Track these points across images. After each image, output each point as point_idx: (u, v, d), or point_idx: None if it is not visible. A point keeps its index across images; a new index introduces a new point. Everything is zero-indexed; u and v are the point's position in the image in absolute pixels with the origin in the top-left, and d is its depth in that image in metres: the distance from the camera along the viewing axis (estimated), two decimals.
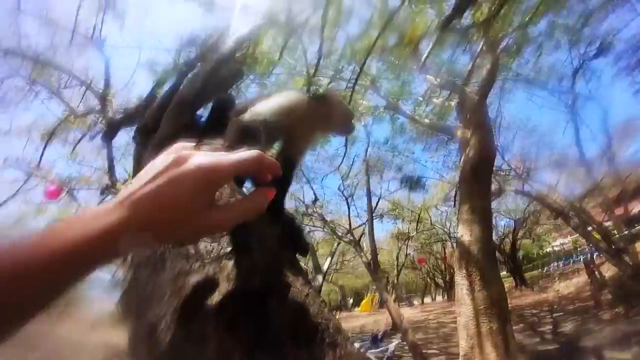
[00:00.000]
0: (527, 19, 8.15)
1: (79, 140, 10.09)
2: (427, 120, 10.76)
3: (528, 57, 10.85)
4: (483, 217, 7.21)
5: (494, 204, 20.94)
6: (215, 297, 0.84)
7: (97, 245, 0.47)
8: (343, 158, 12.32)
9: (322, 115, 1.41)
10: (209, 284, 0.87)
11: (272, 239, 1.09)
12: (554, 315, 13.04)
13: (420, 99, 10.65)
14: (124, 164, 10.60)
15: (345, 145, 11.46)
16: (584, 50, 11.42)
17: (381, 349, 12.05)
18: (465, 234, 7.12)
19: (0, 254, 0.41)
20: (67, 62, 9.51)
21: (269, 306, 0.86)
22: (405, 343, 7.60)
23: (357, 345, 8.28)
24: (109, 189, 8.86)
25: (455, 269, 7.55)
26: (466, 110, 8.19)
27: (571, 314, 12.38)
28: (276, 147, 1.40)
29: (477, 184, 7.52)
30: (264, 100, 1.35)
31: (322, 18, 6.44)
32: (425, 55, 8.63)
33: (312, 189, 14.08)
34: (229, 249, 0.99)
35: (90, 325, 18.26)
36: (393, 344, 11.65)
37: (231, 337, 0.79)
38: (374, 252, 10.95)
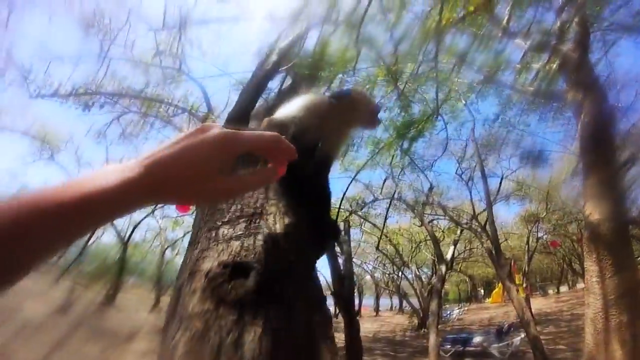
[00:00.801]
0: None
1: None
2: (531, 89, 9.86)
3: (619, 2, 9.13)
4: (611, 192, 6.27)
5: (630, 174, 18.69)
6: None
7: (113, 196, 0.48)
8: (446, 142, 12.03)
9: (347, 111, 1.47)
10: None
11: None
12: None
13: (518, 66, 9.72)
14: None
15: (446, 127, 11.31)
16: None
17: (505, 343, 11.47)
18: (592, 212, 6.23)
19: (26, 200, 0.43)
20: (167, 93, 10.89)
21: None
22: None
23: (480, 338, 7.78)
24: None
25: (584, 254, 6.74)
26: (570, 71, 7.37)
27: None
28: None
29: (599, 153, 6.58)
30: (292, 102, 1.47)
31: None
32: (505, 18, 8.03)
33: (426, 176, 13.43)
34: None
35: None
36: (518, 338, 10.98)
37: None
38: (495, 237, 10.35)
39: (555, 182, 18.54)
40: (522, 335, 9.62)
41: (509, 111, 12.56)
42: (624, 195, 7.26)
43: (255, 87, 3.16)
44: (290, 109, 1.39)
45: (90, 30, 10.16)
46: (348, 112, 1.47)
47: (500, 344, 11.56)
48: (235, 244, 1.09)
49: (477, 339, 12.58)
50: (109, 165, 0.52)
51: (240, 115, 2.66)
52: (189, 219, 20.15)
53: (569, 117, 10.11)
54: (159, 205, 18.67)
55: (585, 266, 6.64)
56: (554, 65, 8.18)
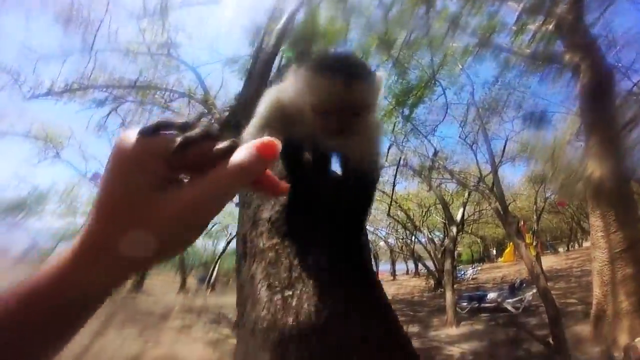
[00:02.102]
0: None
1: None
2: (528, 51, 9.89)
3: None
4: (612, 150, 6.51)
5: (634, 135, 18.80)
6: None
7: (53, 284, 0.41)
8: (447, 107, 12.19)
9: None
10: None
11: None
12: None
13: (514, 28, 9.66)
14: None
15: (444, 92, 11.35)
16: None
17: (518, 298, 11.84)
18: (595, 170, 6.52)
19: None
20: (161, 80, 10.98)
21: None
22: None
23: (494, 294, 8.15)
24: None
25: (589, 210, 7.05)
26: (566, 32, 7.48)
27: None
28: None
29: (598, 113, 6.80)
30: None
31: None
32: None
33: (430, 141, 13.46)
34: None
35: None
36: (530, 293, 11.34)
37: None
38: (502, 197, 10.57)
39: (559, 143, 18.72)
40: (534, 290, 9.97)
41: (508, 73, 12.58)
42: (625, 154, 7.50)
43: (260, 73, 3.16)
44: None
45: (70, 25, 10.10)
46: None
47: (514, 299, 11.89)
48: (283, 198, 1.30)
49: (491, 296, 12.95)
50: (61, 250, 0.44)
51: (249, 105, 2.48)
52: None
53: (569, 78, 10.19)
54: None
55: (590, 222, 6.93)
56: (550, 27, 8.19)
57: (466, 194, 16.81)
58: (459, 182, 16.34)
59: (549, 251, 32.18)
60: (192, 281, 26.66)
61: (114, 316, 9.63)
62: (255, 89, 2.82)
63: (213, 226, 26.12)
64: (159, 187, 0.43)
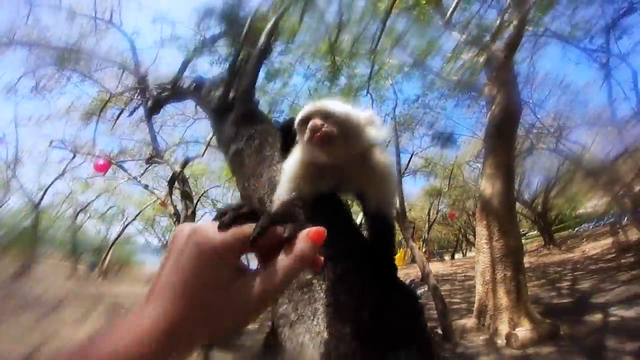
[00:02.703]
0: None
1: (118, 117, 10.54)
2: (454, 78, 10.79)
3: (562, 11, 10.39)
4: (505, 173, 7.56)
5: (528, 162, 21.21)
6: None
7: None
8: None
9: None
10: None
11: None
12: (575, 273, 13.55)
13: (449, 54, 10.44)
14: (163, 136, 11.68)
15: (372, 103, 11.60)
16: (614, 7, 10.90)
17: None
18: (487, 187, 7.55)
19: None
20: (94, 47, 10.13)
21: None
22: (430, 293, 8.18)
23: None
24: (153, 158, 9.63)
25: (477, 221, 8.14)
26: (493, 67, 8.23)
27: (591, 273, 12.81)
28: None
29: (501, 140, 7.78)
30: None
31: None
32: (450, 10, 8.56)
33: None
34: None
35: (145, 281, 19.74)
36: (418, 292, 12.35)
37: None
38: (402, 201, 11.45)
39: (460, 162, 20.58)
40: (423, 289, 11.00)
41: (430, 94, 13.52)
42: (514, 178, 8.60)
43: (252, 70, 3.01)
44: (277, 192, 1.32)
45: None
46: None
47: None
48: None
49: None
50: (124, 323, 0.46)
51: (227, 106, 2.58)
52: (99, 181, 19.74)
53: (483, 106, 11.14)
54: (70, 167, 17.30)
55: (477, 231, 7.99)
56: (481, 60, 8.96)
57: None
58: None
59: (435, 258, 34.60)
60: (82, 267, 24.55)
61: (5, 303, 9.36)
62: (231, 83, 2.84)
63: (108, 209, 24.61)
64: (232, 277, 0.50)
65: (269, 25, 3.19)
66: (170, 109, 12.40)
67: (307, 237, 0.53)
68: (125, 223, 23.88)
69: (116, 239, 23.17)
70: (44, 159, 18.30)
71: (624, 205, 12.60)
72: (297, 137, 1.27)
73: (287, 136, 1.56)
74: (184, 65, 7.08)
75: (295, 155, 1.31)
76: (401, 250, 29.74)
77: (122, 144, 14.21)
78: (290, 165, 1.30)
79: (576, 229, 30.22)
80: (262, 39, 3.00)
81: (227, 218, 0.52)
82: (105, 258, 22.58)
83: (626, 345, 5.40)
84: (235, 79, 2.85)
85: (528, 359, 5.71)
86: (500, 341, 6.50)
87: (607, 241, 15.80)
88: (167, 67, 10.03)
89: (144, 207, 21.60)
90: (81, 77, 10.48)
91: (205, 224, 0.52)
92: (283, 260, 0.51)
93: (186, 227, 0.52)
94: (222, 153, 2.63)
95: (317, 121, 1.17)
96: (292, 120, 1.45)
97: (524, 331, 6.38)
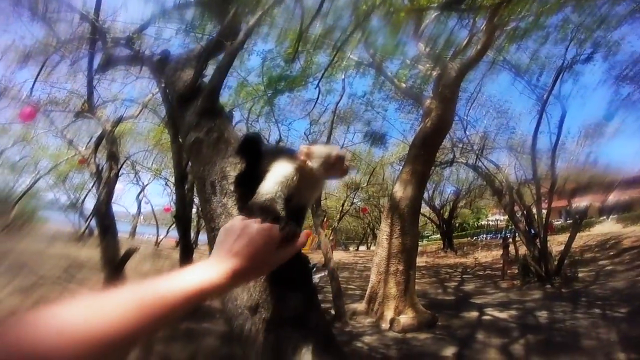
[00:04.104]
0: (545, 7, 7.88)
1: (57, 64, 9.90)
2: (404, 85, 11.13)
3: (528, 45, 10.98)
4: (419, 180, 8.24)
5: (446, 172, 22.39)
6: None
7: (214, 287, 0.68)
8: (314, 104, 12.62)
9: (319, 171, 1.56)
10: None
11: None
12: (463, 276, 14.85)
13: (408, 61, 10.81)
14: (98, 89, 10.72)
15: (318, 94, 11.68)
16: (577, 52, 11.56)
17: None
18: (399, 190, 8.17)
19: (147, 302, 0.56)
20: None
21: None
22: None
23: None
24: (84, 112, 9.01)
25: (382, 218, 8.83)
26: (442, 83, 8.64)
27: (478, 278, 14.24)
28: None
29: (423, 151, 8.36)
30: (270, 174, 1.55)
31: None
32: (424, 24, 8.92)
33: (279, 129, 13.57)
34: None
35: (49, 239, 18.54)
36: (319, 275, 12.79)
37: None
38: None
39: (384, 162, 21.29)
40: (323, 273, 11.45)
41: (377, 94, 13.85)
42: (425, 187, 9.14)
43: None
44: (267, 187, 1.48)
45: None
46: (320, 172, 1.56)
47: None
48: None
49: None
50: (200, 266, 0.72)
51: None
52: (17, 127, 17.36)
53: (420, 114, 11.16)
54: None
55: (380, 227, 8.69)
56: (434, 73, 9.34)
57: None
58: None
59: (341, 248, 35.57)
60: None
61: None
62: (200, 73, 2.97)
63: (20, 159, 21.71)
64: (274, 249, 0.85)
65: (251, 22, 3.27)
66: None
67: (304, 234, 1.01)
68: (37, 176, 22.03)
69: (25, 191, 21.47)
70: None
71: (519, 224, 13.74)
72: (310, 159, 1.55)
73: (247, 149, 1.81)
74: (146, 24, 6.85)
75: (289, 168, 1.56)
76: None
77: (52, 93, 13.20)
78: (287, 174, 1.54)
79: (474, 238, 32.40)
80: (241, 34, 3.09)
81: (287, 226, 0.95)
82: (10, 211, 20.23)
83: (493, 340, 6.22)
84: (204, 67, 3.01)
85: (406, 342, 6.39)
86: (385, 325, 7.23)
87: (499, 252, 17.22)
88: (128, 23, 8.91)
89: (60, 162, 20.00)
90: (32, 16, 9.20)
91: (266, 224, 0.87)
92: (293, 244, 0.93)
93: (255, 224, 0.84)
94: (169, 133, 2.80)
95: (347, 161, 1.59)
96: (255, 136, 1.87)
97: (406, 318, 7.18)
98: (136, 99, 12.66)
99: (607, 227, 22.22)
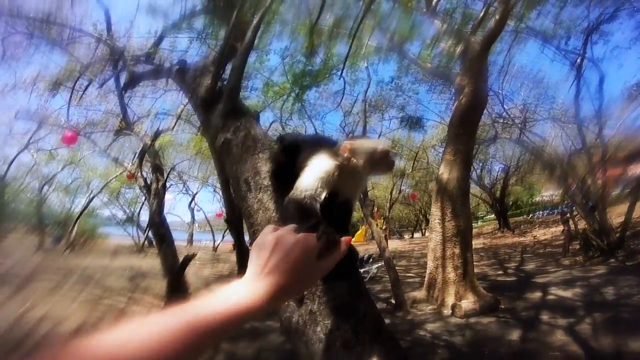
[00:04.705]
0: None
1: (86, 88, 10.17)
2: (429, 65, 10.95)
3: (548, 9, 10.67)
4: (463, 159, 8.04)
5: (491, 150, 21.89)
6: None
7: (250, 310, 0.64)
8: (342, 95, 12.67)
9: (365, 167, 1.53)
10: None
11: None
12: (523, 255, 14.43)
13: (428, 42, 10.54)
14: (131, 106, 11.10)
15: (344, 84, 11.83)
16: (599, 10, 11.16)
17: (365, 269, 13.18)
18: (445, 172, 8.03)
19: (182, 327, 0.55)
20: (67, 15, 9.20)
21: None
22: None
23: None
24: (122, 130, 9.61)
25: (432, 202, 8.59)
26: (468, 57, 8.41)
27: (538, 257, 13.75)
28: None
29: (463, 129, 8.18)
30: (309, 168, 1.52)
31: None
32: (435, 0, 8.73)
33: (313, 124, 13.89)
34: None
35: (112, 253, 19.44)
36: (376, 266, 12.78)
37: None
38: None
39: (426, 146, 21.02)
40: (380, 264, 11.44)
41: (405, 78, 13.71)
42: (471, 165, 8.94)
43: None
44: (306, 183, 1.45)
45: None
46: (365, 168, 1.53)
47: (362, 270, 13.29)
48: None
49: None
50: (234, 287, 0.69)
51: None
52: (63, 152, 19.06)
53: (453, 93, 11.21)
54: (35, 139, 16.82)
55: (431, 211, 8.50)
56: (458, 50, 9.05)
57: None
58: None
59: (395, 236, 35.42)
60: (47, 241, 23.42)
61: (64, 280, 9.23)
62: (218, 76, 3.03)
63: (73, 181, 23.66)
64: (314, 262, 0.78)
65: (255, 21, 3.24)
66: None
67: (343, 241, 0.88)
68: (91, 195, 23.22)
69: (82, 211, 22.55)
70: (9, 130, 17.40)
71: (575, 197, 13.26)
72: (356, 154, 1.52)
73: (287, 151, 1.83)
74: (160, 38, 7.06)
75: (331, 163, 1.52)
76: (362, 227, 30.51)
77: (89, 115, 13.77)
78: (328, 170, 1.50)
79: (530, 215, 31.52)
80: (249, 34, 3.09)
81: (324, 234, 0.84)
82: (71, 231, 21.85)
83: (558, 320, 6.03)
84: (221, 71, 3.07)
85: (469, 327, 6.29)
86: (446, 311, 7.14)
87: (558, 229, 16.72)
88: (142, 39, 9.62)
89: (110, 179, 21.09)
90: (50, 46, 9.92)
91: (302, 234, 0.80)
92: (335, 254, 0.84)
93: (289, 235, 0.78)
94: (206, 139, 2.90)
95: (392, 155, 1.56)
96: (294, 139, 1.92)
97: (467, 303, 7.04)
98: (169, 111, 13.16)
99: None
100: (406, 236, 37.62)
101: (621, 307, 6.48)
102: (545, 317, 6.35)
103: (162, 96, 12.72)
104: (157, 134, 10.12)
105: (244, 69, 3.02)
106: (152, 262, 9.32)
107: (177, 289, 8.07)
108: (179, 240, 11.55)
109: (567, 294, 7.66)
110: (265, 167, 2.11)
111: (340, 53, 10.36)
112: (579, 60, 12.27)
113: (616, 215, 12.28)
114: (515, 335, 5.69)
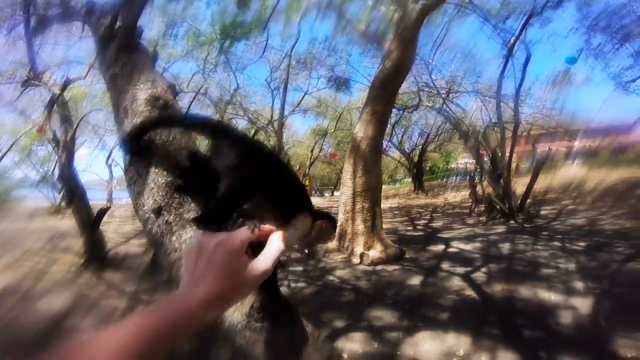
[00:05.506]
0: None
1: None
2: (365, 28, 11.01)
3: None
4: (379, 121, 8.39)
5: (414, 116, 22.66)
6: None
7: (192, 318, 0.62)
8: (264, 49, 12.71)
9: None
10: None
11: None
12: (433, 215, 15.47)
13: (369, 4, 10.58)
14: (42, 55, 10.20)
15: (267, 37, 11.82)
16: None
17: None
18: (360, 131, 8.37)
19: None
20: None
21: None
22: None
23: None
24: (30, 80, 8.70)
25: (345, 159, 8.98)
26: (402, 24, 8.46)
27: (446, 216, 14.84)
28: None
29: (383, 91, 8.44)
30: None
31: None
32: None
33: (235, 76, 14.00)
34: None
35: (28, 215, 18.36)
36: None
37: None
38: (280, 139, 11.60)
39: (351, 108, 21.34)
40: None
41: (339, 38, 13.88)
42: (386, 127, 9.33)
43: None
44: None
45: None
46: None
47: None
48: None
49: None
50: (171, 298, 0.65)
51: None
52: None
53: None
54: None
55: (344, 167, 8.92)
56: (396, 16, 9.01)
57: (252, 132, 17.57)
58: (250, 120, 17.81)
59: (316, 194, 36.06)
60: None
61: None
62: None
63: None
64: (246, 262, 0.70)
65: None
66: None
67: (279, 238, 0.78)
68: (0, 155, 20.44)
69: None
70: None
71: (485, 165, 14.19)
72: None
73: (135, 140, 1.82)
74: None
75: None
76: None
77: None
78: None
79: (445, 180, 33.24)
80: None
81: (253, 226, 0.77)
82: None
83: (457, 269, 6.64)
84: (122, 9, 2.89)
85: (375, 274, 6.80)
86: (355, 260, 7.64)
87: (468, 192, 17.78)
88: None
89: (19, 136, 19.04)
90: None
91: (224, 234, 0.74)
92: (270, 249, 0.75)
93: (210, 239, 0.72)
94: (103, 76, 2.88)
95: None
96: (144, 125, 1.89)
97: (374, 252, 7.58)
98: (84, 59, 11.95)
99: (573, 171, 23.09)
100: (326, 194, 38.47)
101: (515, 260, 7.17)
102: (445, 265, 6.96)
103: (76, 44, 11.72)
104: (66, 83, 9.08)
105: (143, 6, 2.95)
106: (70, 222, 8.98)
107: (94, 245, 7.87)
108: (99, 199, 11.14)
109: (468, 247, 8.39)
110: (143, 95, 2.18)
111: (273, 4, 10.19)
112: (512, 40, 12.85)
113: (522, 185, 13.37)
114: (416, 280, 6.19)
